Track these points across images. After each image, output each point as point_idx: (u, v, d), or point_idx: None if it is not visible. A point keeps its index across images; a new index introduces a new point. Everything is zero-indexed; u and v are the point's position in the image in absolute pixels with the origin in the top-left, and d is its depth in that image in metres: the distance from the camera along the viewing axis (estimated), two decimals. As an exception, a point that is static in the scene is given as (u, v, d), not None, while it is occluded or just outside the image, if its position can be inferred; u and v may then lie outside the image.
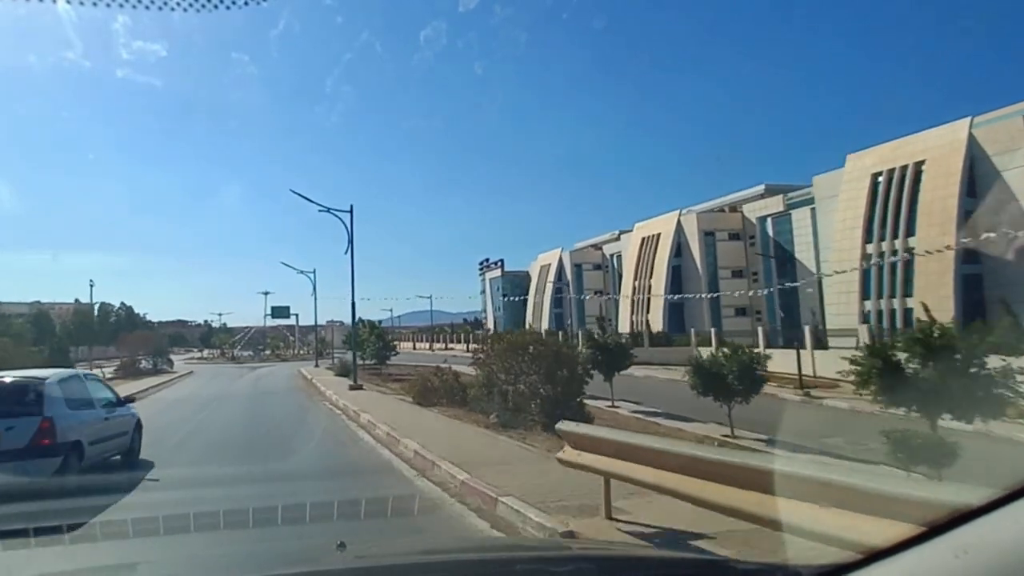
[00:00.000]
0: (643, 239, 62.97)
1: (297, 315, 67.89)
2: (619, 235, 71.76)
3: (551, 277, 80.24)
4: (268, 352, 72.68)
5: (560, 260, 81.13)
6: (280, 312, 64.66)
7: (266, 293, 79.41)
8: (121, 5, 3.28)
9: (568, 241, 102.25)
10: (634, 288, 62.92)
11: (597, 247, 79.95)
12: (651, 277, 61.39)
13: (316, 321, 53.67)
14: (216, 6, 3.29)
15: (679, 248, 60.67)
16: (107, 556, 5.54)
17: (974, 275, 41.80)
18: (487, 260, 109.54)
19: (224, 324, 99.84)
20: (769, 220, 57.96)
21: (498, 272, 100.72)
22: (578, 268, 79.05)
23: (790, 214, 56.19)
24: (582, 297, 71.78)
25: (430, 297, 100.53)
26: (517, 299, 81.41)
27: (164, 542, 5.84)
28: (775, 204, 57.86)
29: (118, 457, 10.92)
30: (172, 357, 49.16)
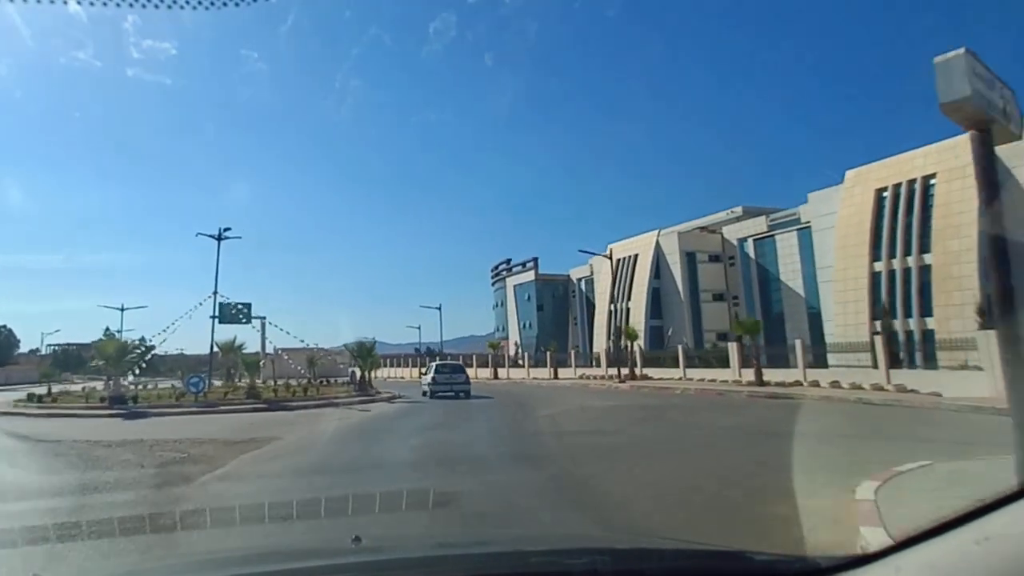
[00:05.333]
0: (619, 260, 55.91)
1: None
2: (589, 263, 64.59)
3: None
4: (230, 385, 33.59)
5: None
6: (230, 315, 38.82)
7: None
8: (131, 4, 2.89)
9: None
10: (610, 312, 55.70)
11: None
12: (629, 300, 54.38)
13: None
14: (225, 3, 3.03)
15: (658, 270, 53.96)
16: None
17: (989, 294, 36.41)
18: (508, 262, 79.63)
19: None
20: (750, 241, 52.53)
21: (529, 275, 72.14)
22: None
23: (773, 236, 50.99)
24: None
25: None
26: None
27: (176, 539, 5.35)
28: (754, 226, 52.50)
29: None
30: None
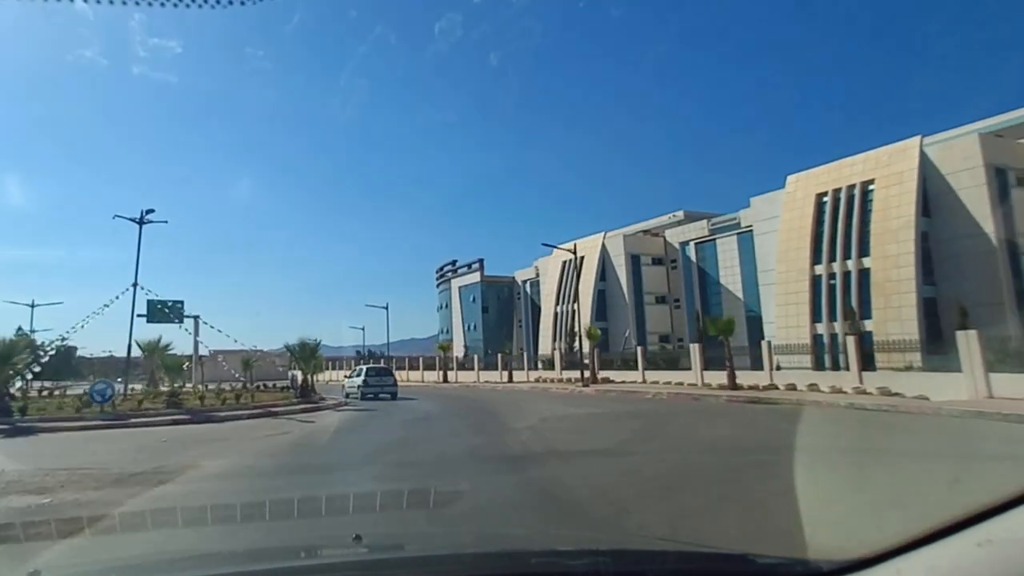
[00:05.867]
0: (564, 263, 53.45)
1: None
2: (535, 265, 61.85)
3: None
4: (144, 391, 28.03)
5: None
6: (159, 313, 33.77)
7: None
8: (137, 3, 2.85)
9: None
10: (556, 314, 53.17)
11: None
12: (576, 302, 52.00)
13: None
14: (231, 2, 2.98)
15: (604, 272, 51.82)
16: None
17: (930, 298, 35.98)
18: (453, 263, 75.58)
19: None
20: (692, 245, 51.10)
21: (474, 277, 68.14)
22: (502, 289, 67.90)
23: (714, 240, 49.76)
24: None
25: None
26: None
27: (180, 534, 5.02)
28: (695, 230, 51.25)
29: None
30: None
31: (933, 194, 36.17)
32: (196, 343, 36.56)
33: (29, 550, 4.74)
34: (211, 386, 31.81)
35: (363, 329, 66.25)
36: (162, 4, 2.81)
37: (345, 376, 25.83)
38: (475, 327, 65.65)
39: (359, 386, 26.45)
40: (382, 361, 59.66)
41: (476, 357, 46.65)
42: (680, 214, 54.72)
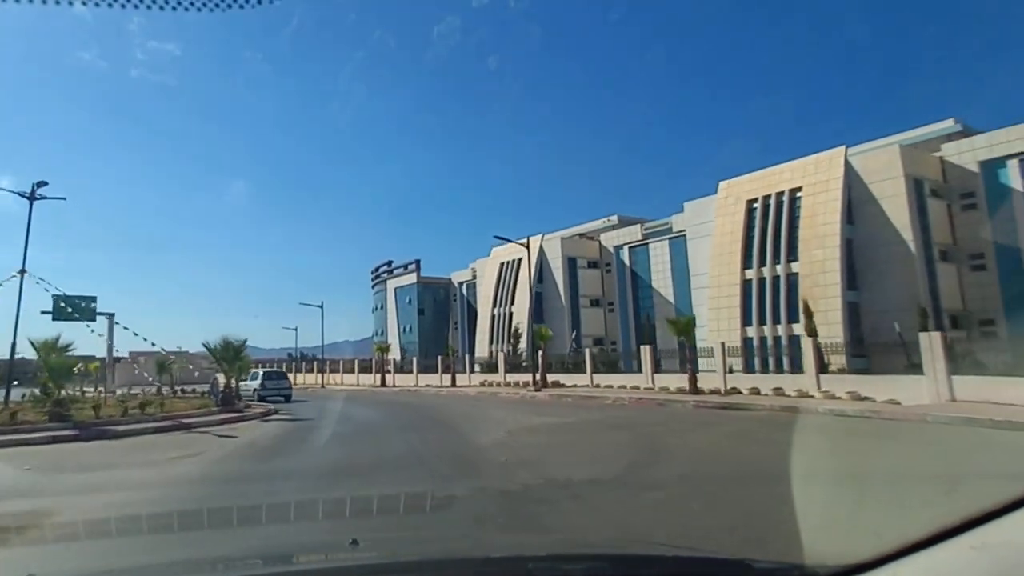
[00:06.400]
0: (502, 264, 50.92)
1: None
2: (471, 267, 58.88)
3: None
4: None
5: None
6: (65, 311, 29.73)
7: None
8: (136, 6, 2.67)
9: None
10: (493, 316, 50.49)
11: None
12: (513, 304, 49.51)
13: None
14: (229, 5, 2.79)
15: (541, 274, 49.55)
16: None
17: (853, 303, 35.62)
18: (389, 264, 70.25)
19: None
20: (626, 249, 49.66)
21: (411, 278, 63.51)
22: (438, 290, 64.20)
23: (647, 244, 48.47)
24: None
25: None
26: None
27: (174, 540, 4.80)
28: (629, 234, 49.85)
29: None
30: None
31: (857, 202, 35.83)
32: (111, 344, 31.68)
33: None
34: (120, 392, 27.28)
35: (296, 330, 60.98)
36: (161, 7, 2.63)
37: (240, 379, 22.85)
38: (410, 329, 61.87)
39: (255, 389, 26.65)
40: (315, 364, 55.26)
41: (415, 360, 43.00)
42: (614, 218, 53.26)
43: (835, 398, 17.11)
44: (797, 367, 28.93)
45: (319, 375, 50.14)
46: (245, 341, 20.79)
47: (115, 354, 33.45)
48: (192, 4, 2.70)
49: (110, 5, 2.68)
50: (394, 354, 51.77)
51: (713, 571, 1.88)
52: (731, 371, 25.85)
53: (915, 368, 21.48)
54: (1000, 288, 33.76)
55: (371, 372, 44.19)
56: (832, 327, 33.61)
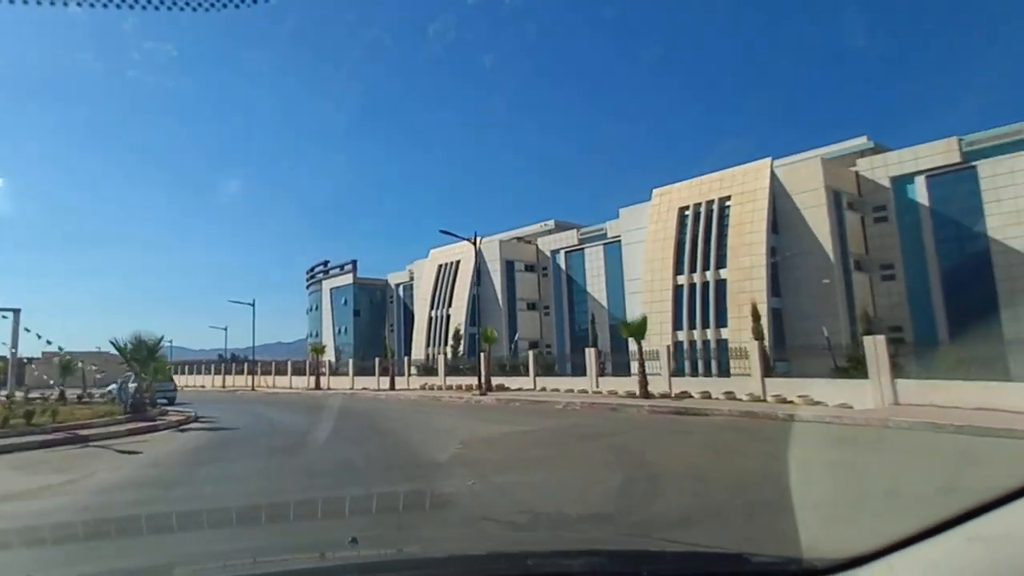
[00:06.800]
0: (440, 266, 48.85)
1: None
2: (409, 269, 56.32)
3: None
4: None
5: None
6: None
7: None
8: (131, 6, 2.52)
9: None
10: (430, 318, 48.30)
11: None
12: (450, 306, 47.51)
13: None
14: (225, 5, 2.64)
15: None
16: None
17: (776, 309, 35.94)
18: (325, 264, 66.12)
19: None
20: (562, 254, 48.78)
21: (347, 279, 59.74)
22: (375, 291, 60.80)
23: (583, 249, 47.75)
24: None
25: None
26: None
27: (177, 539, 4.49)
28: (565, 239, 49.08)
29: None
30: None
31: (781, 212, 36.18)
32: (14, 341, 27.44)
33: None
34: (20, 396, 23.46)
35: (226, 330, 56.25)
36: (156, 7, 2.46)
37: (120, 383, 19.94)
38: (346, 330, 58.47)
39: (132, 392, 22.21)
40: (246, 365, 51.08)
41: (351, 362, 40.06)
42: (551, 223, 52.34)
43: (788, 402, 16.24)
44: (724, 370, 28.61)
45: (249, 377, 46.20)
46: (161, 339, 17.93)
47: (24, 356, 29.22)
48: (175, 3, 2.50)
49: (105, 5, 2.48)
50: (329, 356, 48.49)
51: (712, 565, 1.77)
52: (674, 375, 25.09)
53: (842, 371, 21.29)
54: (907, 297, 34.87)
55: (305, 374, 40.99)
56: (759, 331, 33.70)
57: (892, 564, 1.25)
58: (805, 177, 35.52)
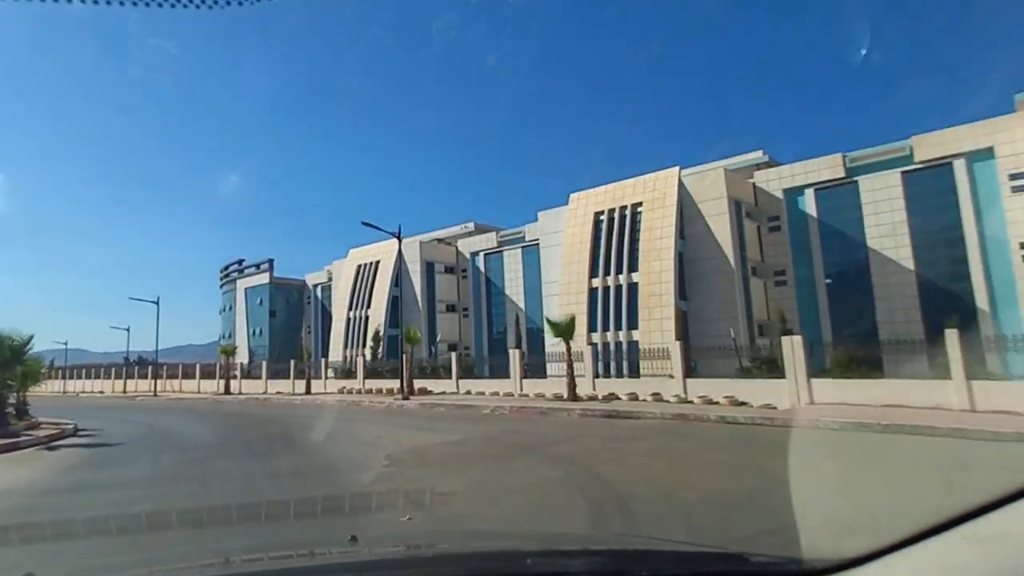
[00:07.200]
0: (359, 267, 46.26)
1: None
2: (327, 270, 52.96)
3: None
4: None
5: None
6: None
7: None
8: (135, 3, 2.41)
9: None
10: (349, 320, 45.57)
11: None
12: (369, 308, 45.07)
13: None
14: (228, 2, 2.53)
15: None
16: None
17: (683, 312, 36.65)
18: (240, 262, 61.11)
19: None
20: (482, 256, 47.72)
21: (263, 278, 55.56)
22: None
23: (502, 252, 46.92)
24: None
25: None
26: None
27: (176, 537, 4.53)
28: (485, 241, 48.01)
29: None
30: None
31: (688, 219, 36.87)
32: None
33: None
34: None
35: (128, 330, 50.02)
36: (159, 4, 2.36)
37: None
38: (261, 332, 54.07)
39: None
40: (150, 368, 45.94)
41: (264, 364, 36.54)
42: (471, 225, 51.04)
43: (714, 403, 15.81)
44: (635, 371, 28.56)
45: (153, 381, 41.34)
46: (30, 339, 14.87)
47: None
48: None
49: (108, 3, 2.37)
50: (242, 358, 44.49)
51: (712, 565, 1.73)
52: (597, 376, 24.51)
53: (746, 371, 21.51)
54: (797, 302, 36.51)
55: (215, 378, 37.11)
56: (666, 334, 33.95)
57: (890, 564, 1.22)
58: (709, 187, 36.37)
